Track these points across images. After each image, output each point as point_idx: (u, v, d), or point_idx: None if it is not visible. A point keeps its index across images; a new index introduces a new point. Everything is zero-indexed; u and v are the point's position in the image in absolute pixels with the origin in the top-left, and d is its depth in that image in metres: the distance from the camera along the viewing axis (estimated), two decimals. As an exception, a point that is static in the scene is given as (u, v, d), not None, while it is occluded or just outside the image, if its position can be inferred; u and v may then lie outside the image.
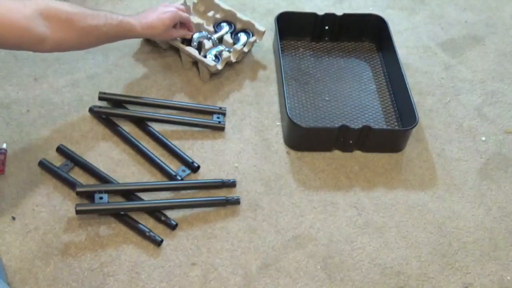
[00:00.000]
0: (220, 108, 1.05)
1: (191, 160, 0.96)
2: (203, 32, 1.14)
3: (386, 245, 0.89)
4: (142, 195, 0.91)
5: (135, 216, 0.88)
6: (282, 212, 0.92)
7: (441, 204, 0.95)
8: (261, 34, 1.13)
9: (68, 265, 0.82)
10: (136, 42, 1.16)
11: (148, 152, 0.96)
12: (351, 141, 0.99)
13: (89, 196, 0.88)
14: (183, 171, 0.95)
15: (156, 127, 1.01)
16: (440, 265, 0.87)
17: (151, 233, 0.86)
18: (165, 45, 1.14)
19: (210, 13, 1.18)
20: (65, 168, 0.93)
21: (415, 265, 0.87)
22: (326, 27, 1.20)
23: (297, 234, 0.89)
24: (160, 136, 0.99)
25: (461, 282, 0.86)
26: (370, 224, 0.92)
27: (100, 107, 1.01)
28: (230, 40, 1.12)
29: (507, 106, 1.12)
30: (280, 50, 1.09)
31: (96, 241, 0.85)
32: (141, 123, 1.02)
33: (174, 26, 1.04)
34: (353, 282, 0.84)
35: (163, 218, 0.88)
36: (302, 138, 0.99)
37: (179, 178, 0.93)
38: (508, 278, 0.87)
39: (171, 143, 0.98)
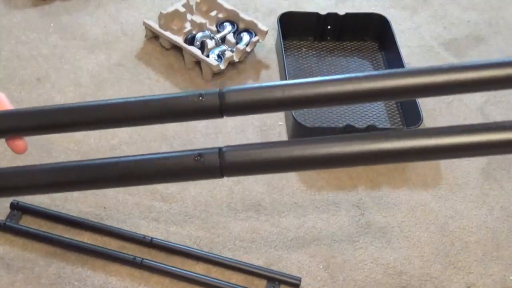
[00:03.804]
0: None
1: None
2: (206, 31, 1.14)
3: (389, 245, 0.89)
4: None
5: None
6: (285, 211, 0.92)
7: (444, 204, 0.95)
8: (264, 33, 1.13)
9: (71, 264, 0.83)
10: (139, 42, 1.17)
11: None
12: None
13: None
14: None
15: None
16: (442, 265, 0.87)
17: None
18: (168, 45, 1.14)
19: (213, 13, 1.18)
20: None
21: (418, 265, 0.87)
22: (329, 27, 1.20)
23: (299, 234, 0.89)
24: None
25: (463, 282, 0.86)
26: (372, 224, 0.92)
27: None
28: (233, 40, 1.12)
29: (510, 106, 1.12)
30: (283, 50, 1.09)
31: (99, 240, 0.86)
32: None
33: None
34: (356, 282, 0.84)
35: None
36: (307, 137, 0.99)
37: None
38: (511, 278, 0.87)
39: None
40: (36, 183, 0.47)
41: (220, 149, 0.45)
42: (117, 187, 0.52)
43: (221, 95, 0.45)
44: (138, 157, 0.46)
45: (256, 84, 0.46)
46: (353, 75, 0.46)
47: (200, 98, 0.45)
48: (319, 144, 0.44)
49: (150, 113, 0.47)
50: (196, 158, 0.44)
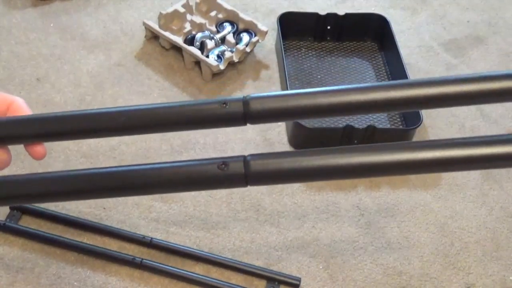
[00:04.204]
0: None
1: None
2: (206, 32, 1.14)
3: (388, 245, 0.89)
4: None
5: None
6: (284, 212, 0.92)
7: (444, 204, 0.95)
8: (264, 34, 1.13)
9: (70, 264, 0.83)
10: (138, 42, 1.16)
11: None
12: (356, 141, 0.99)
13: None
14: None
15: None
16: (442, 265, 0.87)
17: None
18: (167, 45, 1.14)
19: (213, 13, 1.18)
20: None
21: (417, 265, 0.87)
22: (328, 27, 1.20)
23: (299, 234, 0.89)
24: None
25: (463, 282, 0.86)
26: (372, 224, 0.92)
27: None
28: (233, 40, 1.12)
29: (510, 106, 1.12)
30: (283, 50, 1.09)
31: (98, 240, 0.86)
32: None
33: None
34: (355, 282, 0.84)
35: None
36: (307, 138, 0.99)
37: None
38: (511, 278, 0.87)
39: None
40: (56, 191, 0.46)
41: (244, 157, 0.44)
42: (141, 195, 0.50)
43: (245, 102, 0.44)
44: (161, 165, 0.45)
45: (282, 92, 0.45)
46: (383, 83, 0.45)
47: (224, 105, 0.45)
48: (348, 154, 0.43)
49: (174, 120, 0.46)
50: (221, 167, 0.43)
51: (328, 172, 0.43)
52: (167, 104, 0.46)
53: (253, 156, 0.44)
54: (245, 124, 0.45)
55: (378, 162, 0.42)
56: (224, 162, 0.43)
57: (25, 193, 0.46)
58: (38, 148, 0.47)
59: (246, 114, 0.44)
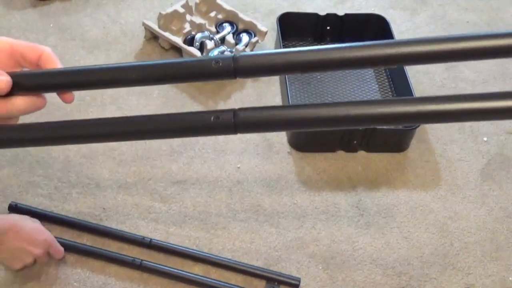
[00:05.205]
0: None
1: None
2: (206, 32, 1.14)
3: (388, 246, 0.89)
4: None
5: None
6: (284, 212, 0.92)
7: (443, 204, 0.95)
8: (263, 34, 1.13)
9: (70, 265, 0.83)
10: (138, 43, 1.16)
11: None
12: (355, 141, 0.99)
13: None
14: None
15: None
16: (442, 266, 0.87)
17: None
18: (167, 45, 1.14)
19: (212, 14, 1.18)
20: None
21: (417, 266, 0.87)
22: (328, 28, 1.20)
23: (298, 234, 0.89)
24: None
25: (463, 282, 0.86)
26: (371, 225, 0.92)
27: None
28: (232, 41, 1.12)
29: (509, 107, 1.12)
30: (282, 51, 1.09)
31: (98, 241, 0.86)
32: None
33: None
34: (355, 282, 0.84)
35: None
36: (307, 139, 0.99)
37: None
38: (510, 278, 0.87)
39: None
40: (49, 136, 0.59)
41: (235, 110, 0.51)
42: (145, 139, 0.61)
43: (235, 60, 0.50)
44: (160, 115, 0.52)
45: (266, 51, 0.51)
46: (370, 43, 0.54)
47: (217, 63, 0.50)
48: (320, 108, 0.50)
49: (173, 74, 0.53)
50: (214, 117, 0.51)
51: (304, 122, 0.51)
52: (167, 60, 0.53)
53: (242, 109, 0.51)
54: (235, 77, 0.51)
55: (360, 114, 0.50)
56: (217, 114, 0.51)
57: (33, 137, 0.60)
58: (68, 95, 0.57)
59: (236, 69, 0.50)
